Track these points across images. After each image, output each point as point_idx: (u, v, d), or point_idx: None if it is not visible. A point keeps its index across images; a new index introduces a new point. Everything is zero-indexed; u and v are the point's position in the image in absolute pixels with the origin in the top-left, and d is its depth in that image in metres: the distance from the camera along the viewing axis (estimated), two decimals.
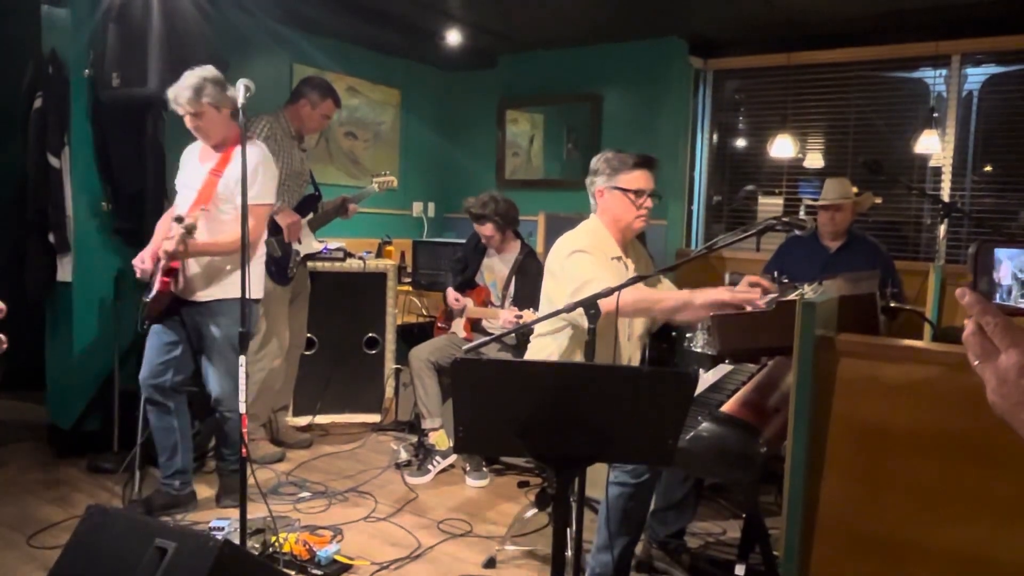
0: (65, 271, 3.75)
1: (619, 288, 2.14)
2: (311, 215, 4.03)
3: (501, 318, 3.76)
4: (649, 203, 2.62)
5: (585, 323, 1.97)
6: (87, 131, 3.74)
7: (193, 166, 3.15)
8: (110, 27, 3.52)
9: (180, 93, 2.98)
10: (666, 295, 2.49)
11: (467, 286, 4.06)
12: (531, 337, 2.77)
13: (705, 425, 2.03)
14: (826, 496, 1.51)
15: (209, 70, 3.02)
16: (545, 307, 2.64)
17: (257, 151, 3.08)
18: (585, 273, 2.40)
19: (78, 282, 3.76)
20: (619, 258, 2.62)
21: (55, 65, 3.67)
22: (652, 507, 2.59)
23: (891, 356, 1.47)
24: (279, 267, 3.80)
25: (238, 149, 3.05)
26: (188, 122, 3.05)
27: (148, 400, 3.12)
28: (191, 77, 2.99)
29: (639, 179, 2.60)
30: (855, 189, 3.83)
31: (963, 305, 0.70)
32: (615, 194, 2.60)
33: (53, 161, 3.65)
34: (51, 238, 3.69)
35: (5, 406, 4.17)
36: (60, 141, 3.67)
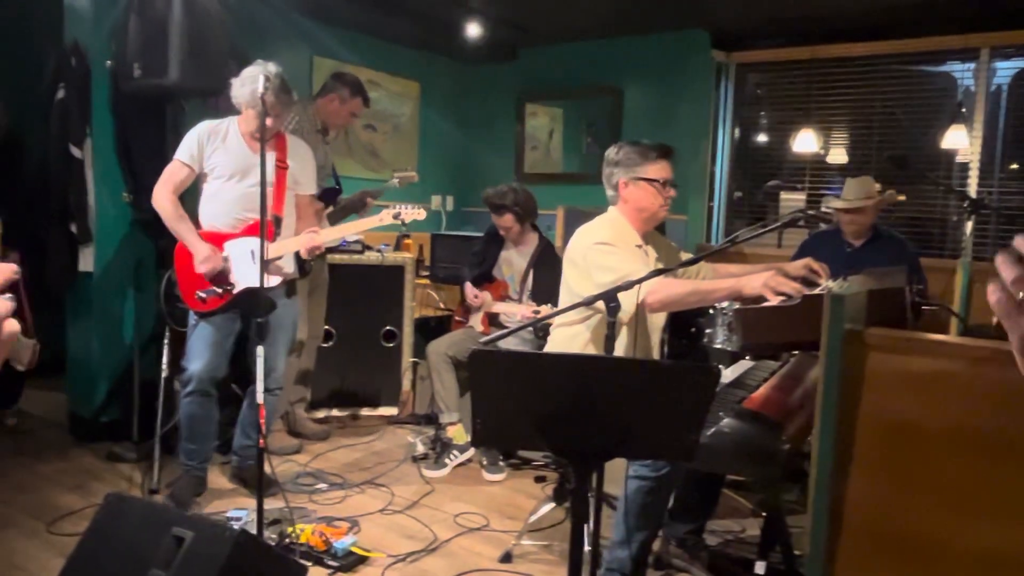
0: (87, 261, 3.77)
1: (640, 281, 2.12)
2: (330, 208, 4.03)
3: (519, 313, 3.74)
4: (672, 192, 2.62)
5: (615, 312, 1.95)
6: (109, 122, 3.76)
7: (243, 152, 3.09)
8: (132, 18, 3.53)
9: (281, 96, 2.99)
10: (704, 287, 2.44)
11: (484, 280, 4.04)
12: (552, 328, 2.75)
13: (727, 421, 2.00)
14: (853, 494, 1.48)
15: (277, 66, 3.03)
16: (566, 297, 2.62)
17: (305, 144, 3.33)
18: (621, 267, 2.37)
19: (99, 272, 3.78)
20: (640, 246, 2.60)
21: (77, 56, 3.69)
22: (671, 503, 2.56)
23: (922, 351, 1.43)
24: (297, 259, 3.79)
25: (286, 139, 3.23)
26: (271, 121, 2.98)
27: (199, 392, 3.09)
28: (283, 76, 2.99)
29: (663, 169, 2.60)
30: (878, 186, 3.73)
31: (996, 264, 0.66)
32: (640, 184, 2.58)
33: (75, 152, 3.67)
34: (73, 228, 3.71)
35: (26, 395, 4.20)
36: (82, 132, 3.69)
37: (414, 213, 3.08)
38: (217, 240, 3.09)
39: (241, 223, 3.10)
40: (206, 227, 3.12)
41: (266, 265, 3.08)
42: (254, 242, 3.06)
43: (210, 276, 3.04)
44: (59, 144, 3.70)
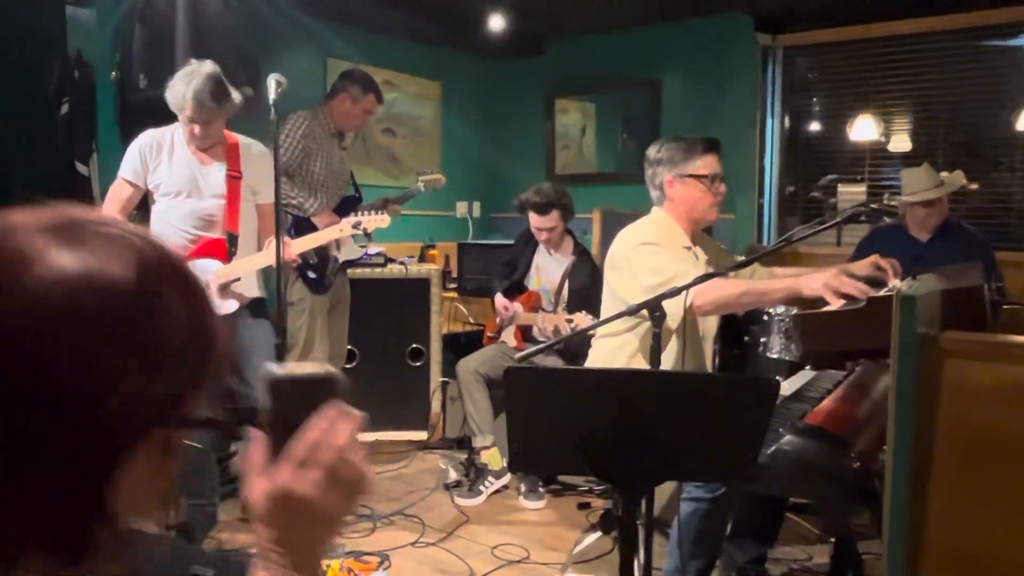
0: None
1: (688, 287, 2.10)
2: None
3: (555, 325, 3.73)
4: (722, 188, 2.60)
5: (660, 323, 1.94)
6: (115, 135, 3.83)
7: (189, 164, 3.03)
8: (136, 27, 3.61)
9: (207, 103, 2.86)
10: (758, 287, 2.40)
11: (516, 290, 4.04)
12: (594, 341, 2.73)
13: (788, 438, 1.96)
14: (933, 515, 1.44)
15: (215, 66, 2.93)
16: (609, 304, 2.60)
17: (263, 148, 3.14)
18: (669, 268, 2.34)
19: None
20: (689, 248, 2.58)
21: (81, 68, 3.77)
22: (729, 529, 2.52)
23: (1007, 355, 1.39)
24: (317, 275, 3.83)
25: (238, 145, 3.08)
26: (198, 130, 2.92)
27: None
28: (215, 78, 2.88)
29: (711, 163, 2.57)
30: (944, 173, 3.65)
31: None
32: (688, 182, 2.55)
33: (81, 168, 3.75)
34: None
35: None
36: (88, 147, 3.77)
37: (377, 220, 2.97)
38: None
39: (193, 243, 3.02)
40: None
41: (222, 290, 2.96)
42: (207, 265, 3.00)
43: None
44: (63, 161, 3.78)
